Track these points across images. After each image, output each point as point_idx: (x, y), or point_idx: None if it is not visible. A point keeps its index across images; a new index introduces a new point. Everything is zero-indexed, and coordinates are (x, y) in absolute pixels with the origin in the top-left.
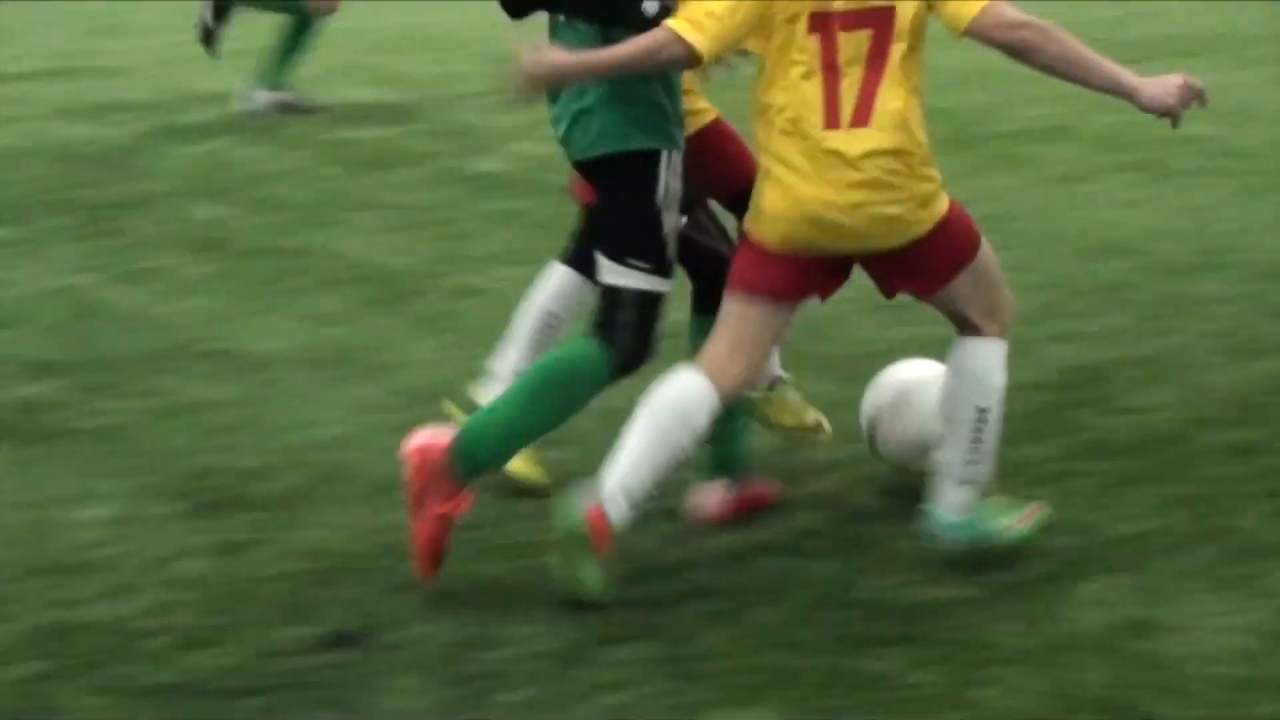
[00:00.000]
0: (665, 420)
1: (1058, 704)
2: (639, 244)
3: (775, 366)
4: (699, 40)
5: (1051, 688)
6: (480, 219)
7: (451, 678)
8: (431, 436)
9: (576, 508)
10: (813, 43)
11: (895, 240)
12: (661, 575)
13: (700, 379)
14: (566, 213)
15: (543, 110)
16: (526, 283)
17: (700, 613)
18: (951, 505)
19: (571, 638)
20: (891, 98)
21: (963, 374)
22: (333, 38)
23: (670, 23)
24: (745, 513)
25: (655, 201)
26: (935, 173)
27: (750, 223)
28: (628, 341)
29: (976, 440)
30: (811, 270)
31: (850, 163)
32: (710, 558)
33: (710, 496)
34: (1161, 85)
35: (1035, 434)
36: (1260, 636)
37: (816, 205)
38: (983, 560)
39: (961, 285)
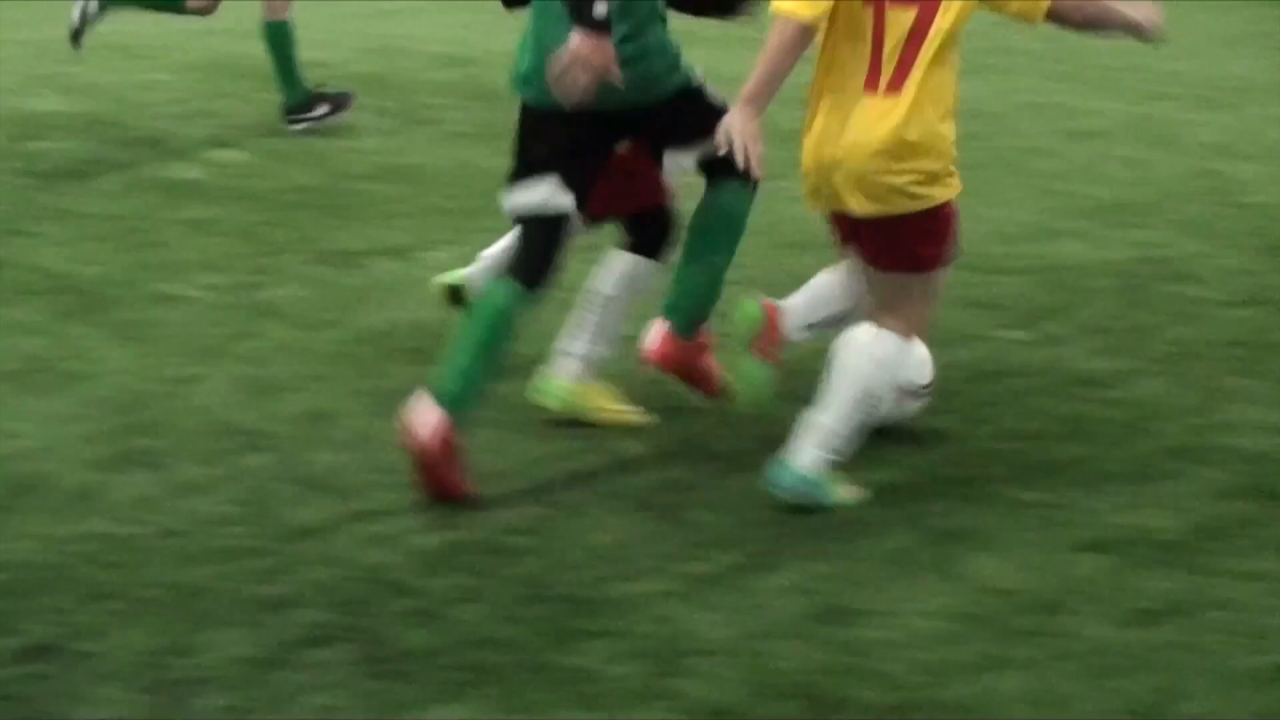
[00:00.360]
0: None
1: (757, 692)
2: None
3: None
4: (808, 15)
5: (750, 676)
6: (177, 227)
7: (150, 685)
8: (655, 336)
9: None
10: (867, 13)
11: (879, 207)
12: (362, 576)
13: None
14: (264, 220)
15: (232, 116)
16: (225, 290)
17: (401, 612)
18: (805, 463)
19: (271, 642)
20: (925, 76)
21: (872, 357)
22: (23, 49)
23: (782, 8)
24: (447, 466)
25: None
26: (949, 156)
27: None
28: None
29: (855, 419)
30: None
31: (876, 123)
32: (410, 557)
33: (429, 416)
34: (1150, 10)
35: (734, 423)
36: (953, 619)
37: (831, 156)
38: (680, 552)
39: (906, 285)
